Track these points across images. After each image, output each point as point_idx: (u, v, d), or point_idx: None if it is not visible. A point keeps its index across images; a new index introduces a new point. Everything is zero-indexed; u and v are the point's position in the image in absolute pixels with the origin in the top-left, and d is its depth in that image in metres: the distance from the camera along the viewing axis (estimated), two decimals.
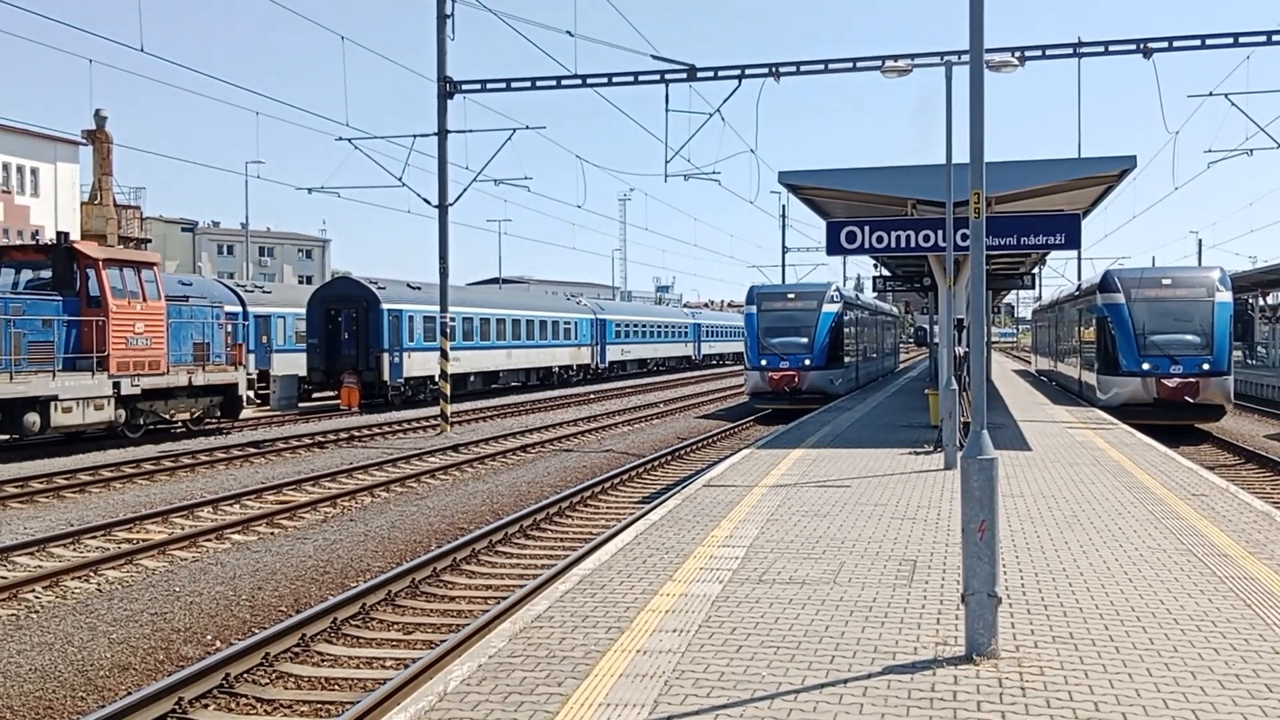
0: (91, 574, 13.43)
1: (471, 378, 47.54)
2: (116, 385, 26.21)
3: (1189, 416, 29.13)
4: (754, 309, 37.86)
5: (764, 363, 36.75)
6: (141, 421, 27.84)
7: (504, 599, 12.13)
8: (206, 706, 9.05)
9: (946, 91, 18.36)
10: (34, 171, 59.60)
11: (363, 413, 38.76)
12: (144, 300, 27.43)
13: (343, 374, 40.11)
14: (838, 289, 39.30)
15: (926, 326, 43.25)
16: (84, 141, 62.15)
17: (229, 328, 32.93)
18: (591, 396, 48.96)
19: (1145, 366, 28.77)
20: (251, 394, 39.38)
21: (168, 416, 28.90)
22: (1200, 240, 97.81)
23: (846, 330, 39.53)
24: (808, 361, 36.50)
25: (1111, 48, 27.47)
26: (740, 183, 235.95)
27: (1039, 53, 27.38)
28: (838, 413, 29.51)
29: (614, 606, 8.97)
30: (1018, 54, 25.77)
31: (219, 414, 31.15)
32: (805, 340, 36.73)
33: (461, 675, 7.26)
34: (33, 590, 12.60)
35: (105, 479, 21.29)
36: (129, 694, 9.32)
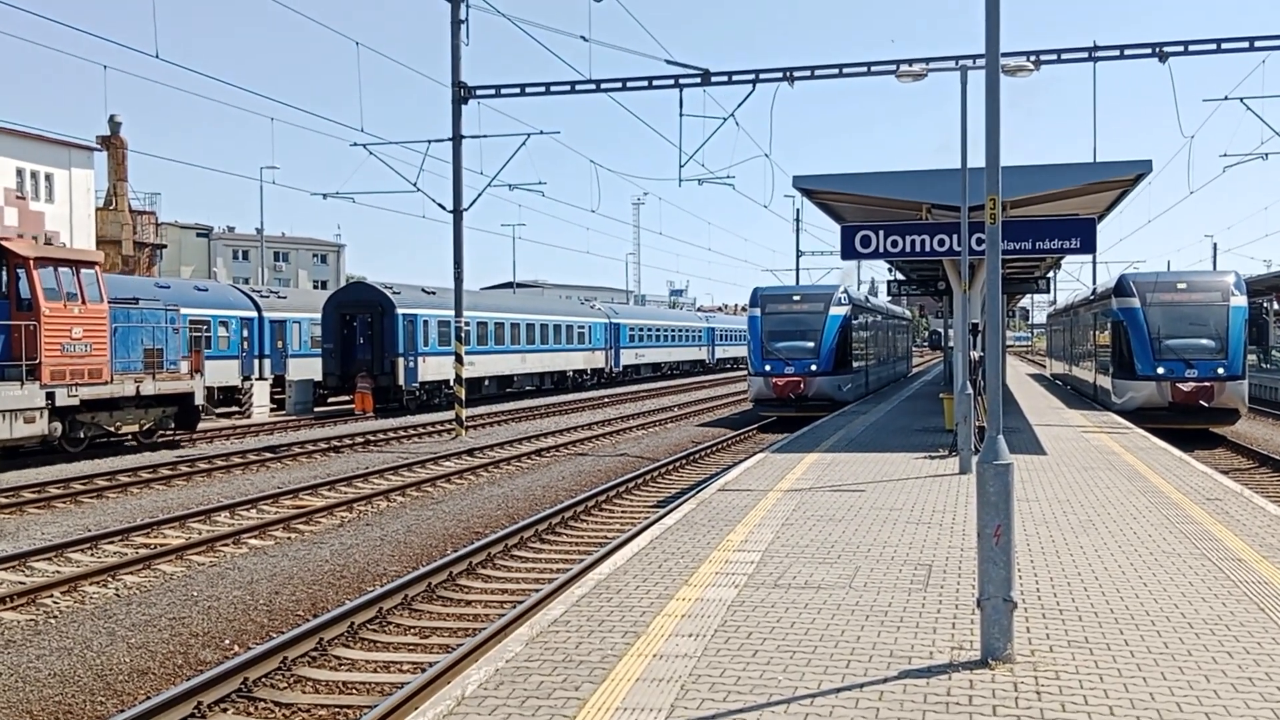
0: (110, 579, 13.52)
1: (486, 382, 47.64)
2: (50, 396, 23.81)
3: (1204, 420, 29.06)
4: (758, 312, 36.03)
5: (768, 368, 34.93)
6: (82, 435, 25.51)
7: (520, 603, 12.17)
8: (225, 711, 9.11)
9: (961, 96, 18.37)
10: (49, 177, 59.87)
11: (378, 417, 38.88)
12: (83, 303, 25.07)
13: (356, 377, 40.17)
14: (846, 291, 37.38)
15: (941, 330, 42.76)
16: (99, 147, 62.48)
17: (188, 333, 30.64)
18: (606, 400, 49.01)
19: (1160, 370, 28.72)
20: (243, 401, 39.56)
21: (113, 429, 26.55)
22: (1215, 244, 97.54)
23: (855, 334, 37.81)
24: (814, 367, 34.69)
25: (1127, 52, 27.45)
26: (754, 187, 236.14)
27: (1054, 57, 27.37)
28: (851, 417, 29.49)
29: (630, 611, 9.00)
30: (1033, 58, 25.77)
31: (173, 426, 28.78)
32: (812, 345, 34.95)
33: (479, 679, 7.31)
34: (51, 595, 12.69)
35: (123, 484, 21.40)
36: (148, 698, 9.39)
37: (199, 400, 29.35)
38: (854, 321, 37.45)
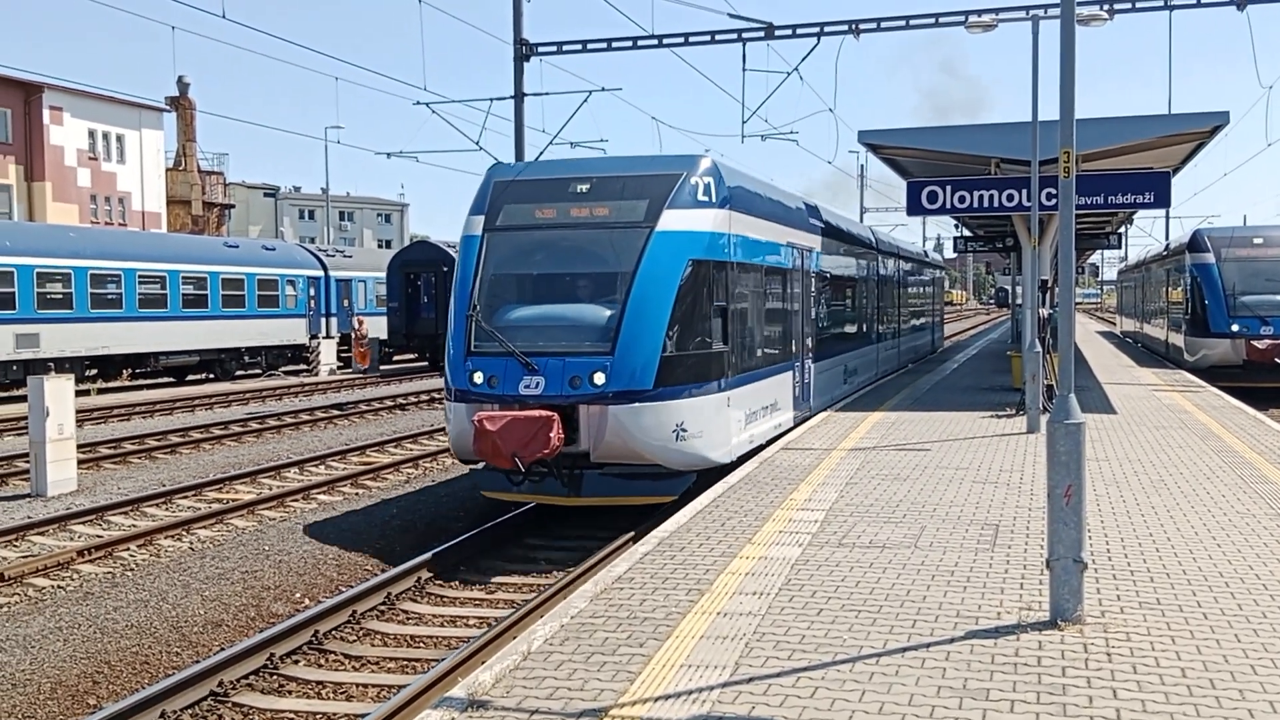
0: (184, 533, 13.79)
1: None
2: None
3: None
4: (478, 230, 14.25)
5: (478, 379, 13.39)
6: None
7: (584, 560, 12.24)
8: (297, 662, 9.28)
9: (1033, 46, 17.96)
10: (120, 138, 60.70)
11: (442, 374, 39.17)
12: None
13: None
14: (714, 168, 14.19)
15: (1009, 288, 41.62)
16: (168, 108, 63.22)
17: None
18: None
19: (1235, 328, 28.16)
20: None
21: None
22: None
23: (739, 286, 14.72)
24: (601, 376, 12.75)
25: (1204, 0, 26.66)
26: (819, 142, 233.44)
27: (1129, 5, 26.67)
28: (915, 375, 29.23)
29: (693, 569, 9.01)
30: (1107, 7, 25.14)
31: None
32: (604, 315, 13.20)
33: (545, 635, 7.36)
34: (128, 549, 12.97)
35: (195, 440, 21.79)
36: (222, 649, 9.59)
37: None
38: (729, 250, 14.38)
